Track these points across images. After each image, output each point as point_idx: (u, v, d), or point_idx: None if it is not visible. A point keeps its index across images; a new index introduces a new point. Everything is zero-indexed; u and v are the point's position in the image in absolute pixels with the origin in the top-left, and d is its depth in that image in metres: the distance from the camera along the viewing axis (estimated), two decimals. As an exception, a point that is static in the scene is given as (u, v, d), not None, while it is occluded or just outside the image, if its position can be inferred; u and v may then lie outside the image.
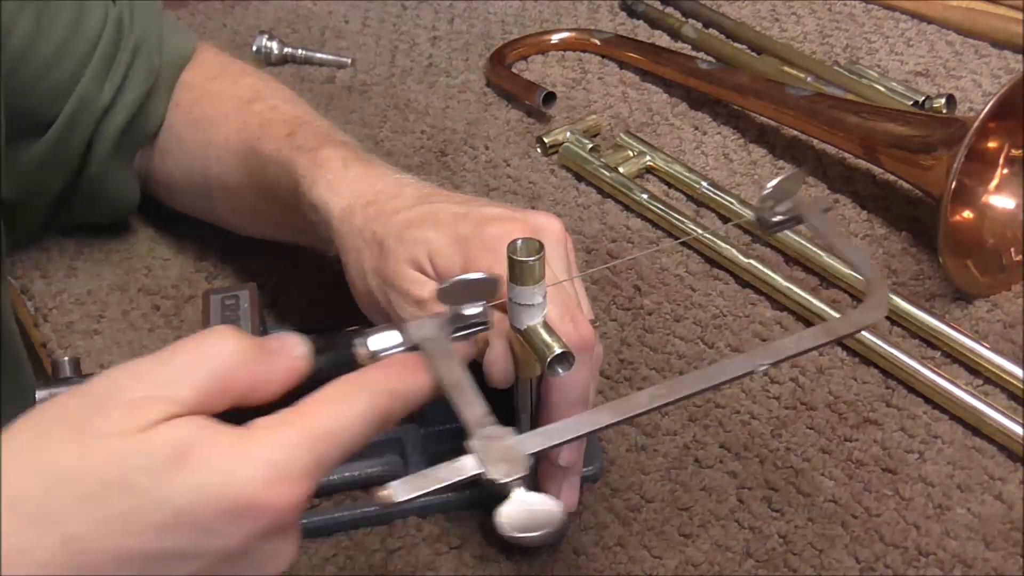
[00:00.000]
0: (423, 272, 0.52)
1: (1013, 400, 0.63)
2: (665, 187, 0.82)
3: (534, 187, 0.82)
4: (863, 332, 0.65)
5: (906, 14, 1.01)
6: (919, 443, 0.60)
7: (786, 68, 0.92)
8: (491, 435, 0.39)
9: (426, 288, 0.52)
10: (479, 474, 0.38)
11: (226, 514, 0.37)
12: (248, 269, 0.74)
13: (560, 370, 0.44)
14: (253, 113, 0.67)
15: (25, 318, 0.72)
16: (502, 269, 0.47)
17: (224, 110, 0.69)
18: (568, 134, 0.85)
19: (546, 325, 0.45)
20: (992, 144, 0.72)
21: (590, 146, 0.83)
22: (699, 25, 1.01)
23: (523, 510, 0.37)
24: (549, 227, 0.52)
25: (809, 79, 0.90)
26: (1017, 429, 0.59)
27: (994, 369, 0.63)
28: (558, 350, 0.44)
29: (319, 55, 0.98)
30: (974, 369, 0.64)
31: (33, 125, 0.68)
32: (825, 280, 0.71)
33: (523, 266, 0.44)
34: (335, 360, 0.42)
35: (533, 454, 0.39)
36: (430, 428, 0.58)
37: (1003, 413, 0.60)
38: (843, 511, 0.57)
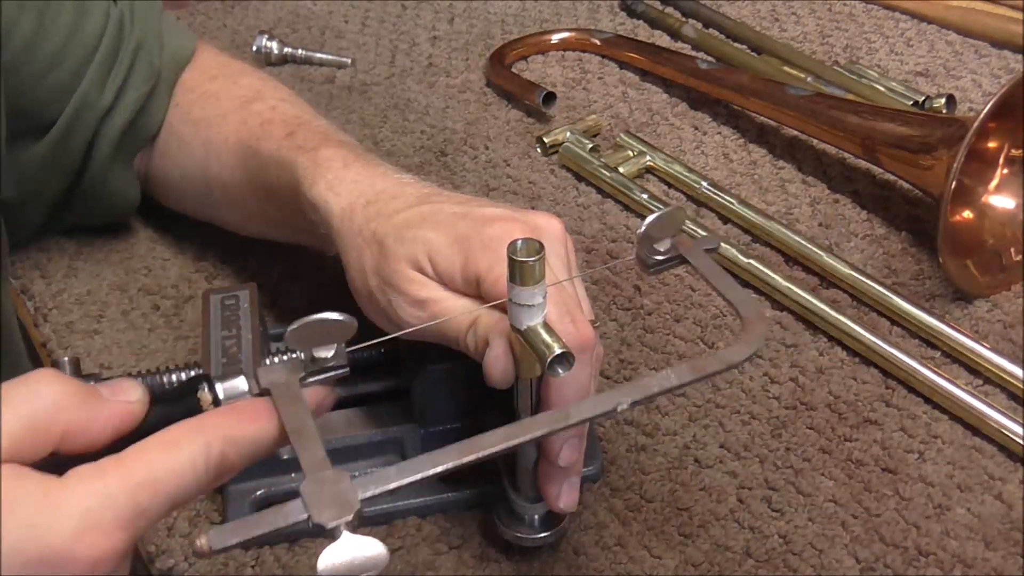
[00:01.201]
0: (423, 272, 0.52)
1: (1013, 400, 0.63)
2: (665, 187, 0.82)
3: (534, 187, 0.82)
4: (863, 332, 0.65)
5: (906, 14, 1.01)
6: (919, 443, 0.60)
7: (786, 68, 0.92)
8: (325, 479, 0.38)
9: (426, 288, 0.52)
10: (305, 518, 0.37)
11: (28, 567, 0.35)
12: (248, 269, 0.74)
13: (560, 370, 0.44)
14: (253, 113, 0.67)
15: (25, 318, 0.72)
16: (502, 269, 0.47)
17: (223, 110, 0.69)
18: (568, 134, 0.85)
19: (546, 325, 0.45)
20: (992, 144, 0.72)
21: (590, 146, 0.83)
22: (699, 25, 1.01)
23: (348, 554, 0.36)
24: (549, 227, 0.52)
25: (809, 79, 0.90)
26: (1017, 429, 0.59)
27: (994, 369, 0.63)
28: (558, 350, 0.44)
29: (319, 55, 0.98)
30: (974, 369, 0.64)
31: (34, 126, 0.68)
32: (825, 280, 0.71)
33: (523, 266, 0.44)
34: (178, 407, 0.41)
35: (366, 498, 0.38)
36: (430, 428, 0.58)
37: (1003, 413, 0.60)
38: (843, 511, 0.57)
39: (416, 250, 0.52)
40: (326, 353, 0.42)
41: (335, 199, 0.56)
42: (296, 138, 0.62)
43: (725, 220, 0.77)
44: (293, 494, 0.37)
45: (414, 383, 0.57)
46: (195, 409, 0.41)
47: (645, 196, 0.77)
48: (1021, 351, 0.65)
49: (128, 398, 0.40)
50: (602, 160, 0.81)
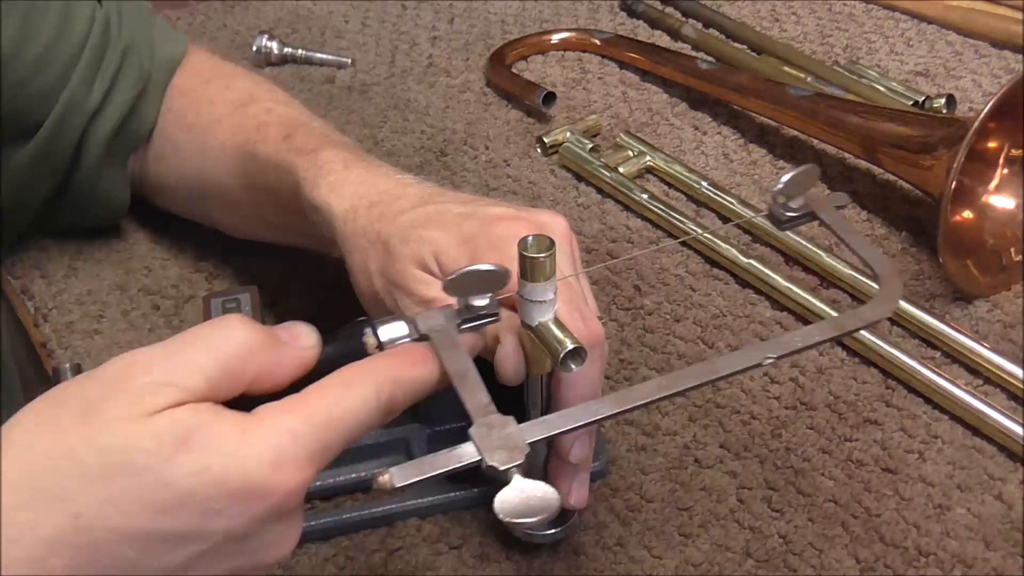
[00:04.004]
0: (429, 272, 0.52)
1: (1013, 400, 0.63)
2: (665, 187, 0.82)
3: (534, 187, 0.82)
4: (863, 332, 0.65)
5: (906, 14, 1.01)
6: (919, 443, 0.60)
7: (786, 68, 0.92)
8: (492, 423, 0.40)
9: (433, 288, 0.52)
10: (478, 460, 0.39)
11: (230, 496, 0.37)
12: (248, 269, 0.74)
13: (573, 366, 0.45)
14: (248, 116, 0.67)
15: (25, 318, 0.72)
16: (509, 267, 0.47)
17: (218, 114, 0.69)
18: (568, 134, 0.85)
19: (557, 321, 0.46)
20: (992, 144, 0.72)
21: (590, 146, 0.83)
22: (699, 25, 1.01)
23: (520, 496, 0.38)
24: (554, 225, 0.53)
25: (809, 79, 0.90)
26: (1017, 429, 0.59)
27: (994, 369, 0.63)
28: (571, 346, 0.44)
29: (319, 55, 0.98)
30: (974, 369, 0.64)
31: (21, 128, 0.68)
32: (825, 280, 0.71)
33: (535, 263, 0.44)
34: (344, 350, 0.43)
35: (534, 442, 0.40)
36: (435, 427, 0.58)
37: (1003, 413, 0.60)
38: (843, 511, 0.57)
39: (422, 250, 0.52)
40: (481, 301, 0.44)
41: (337, 201, 0.56)
42: (294, 140, 0.62)
43: (725, 220, 0.77)
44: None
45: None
46: (360, 351, 0.43)
47: (645, 196, 0.77)
48: (1021, 351, 0.65)
49: (305, 344, 0.42)
50: (602, 160, 0.81)
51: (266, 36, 0.98)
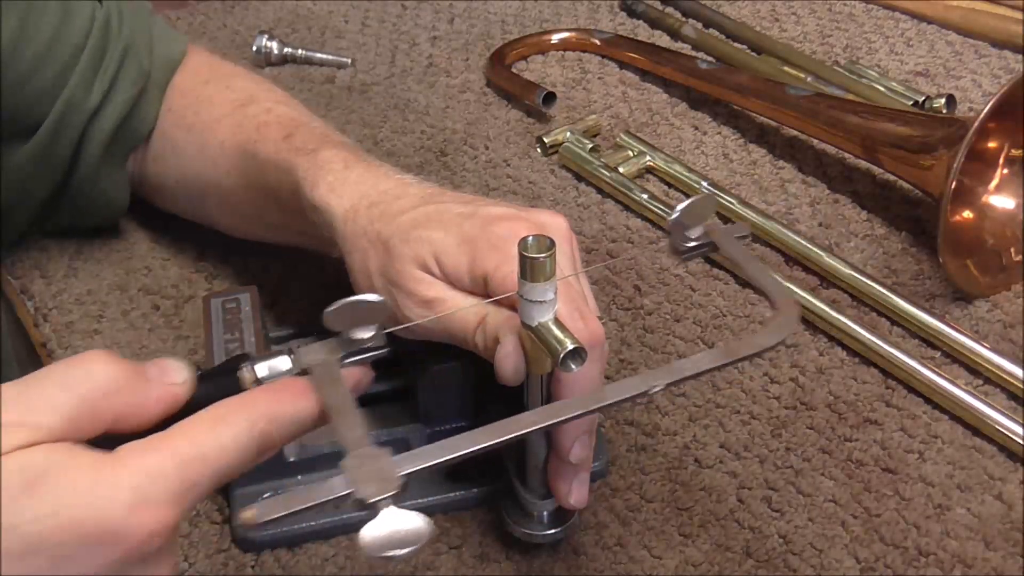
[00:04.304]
0: (429, 272, 0.52)
1: (1013, 400, 0.63)
2: (665, 187, 0.82)
3: (534, 187, 0.82)
4: (863, 332, 0.65)
5: (906, 14, 1.01)
6: (919, 443, 0.60)
7: (786, 68, 0.92)
8: (365, 455, 0.38)
9: (433, 288, 0.52)
10: (348, 493, 0.37)
11: (82, 540, 0.36)
12: (248, 269, 0.74)
13: (573, 366, 0.45)
14: (248, 116, 0.67)
15: (25, 318, 0.72)
16: (509, 267, 0.47)
17: (218, 114, 0.69)
18: (568, 134, 0.85)
19: (557, 321, 0.46)
20: (992, 144, 0.72)
21: (590, 146, 0.83)
22: (699, 25, 1.01)
23: (389, 529, 0.36)
24: (554, 225, 0.53)
25: (809, 79, 0.90)
26: (1017, 429, 0.59)
27: (994, 369, 0.63)
28: (571, 346, 0.44)
29: (319, 55, 0.98)
30: (974, 369, 0.64)
31: (20, 128, 0.68)
32: (825, 280, 0.71)
33: (535, 262, 0.44)
34: (221, 386, 0.41)
35: (407, 474, 0.38)
36: (435, 428, 0.58)
37: (1003, 413, 0.60)
38: (843, 511, 0.57)
39: (422, 250, 0.52)
40: (364, 334, 0.43)
41: (337, 201, 0.56)
42: (294, 140, 0.62)
43: (725, 220, 0.77)
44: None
45: (419, 383, 0.58)
46: (237, 388, 0.42)
47: (645, 196, 0.77)
48: (1021, 351, 0.65)
49: (175, 380, 0.41)
50: (602, 160, 0.81)
51: (266, 36, 0.98)
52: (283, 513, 0.37)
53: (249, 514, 0.37)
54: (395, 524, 0.37)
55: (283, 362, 0.43)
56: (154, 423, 0.40)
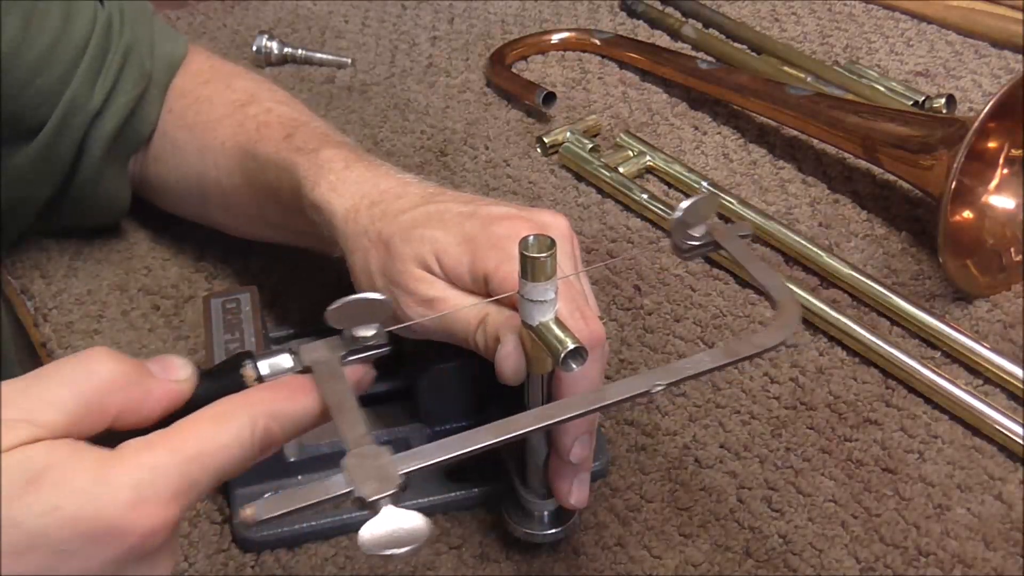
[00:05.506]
0: (430, 271, 0.52)
1: (1013, 400, 0.63)
2: (665, 187, 0.82)
3: (534, 187, 0.82)
4: (863, 332, 0.65)
5: (906, 14, 1.01)
6: (919, 443, 0.60)
7: (786, 68, 0.92)
8: (366, 454, 0.38)
9: (434, 287, 0.52)
10: (348, 492, 0.37)
11: (83, 537, 0.36)
12: (248, 269, 0.74)
13: (574, 365, 0.44)
14: (248, 116, 0.67)
15: (25, 318, 0.72)
16: (510, 267, 0.47)
17: (218, 115, 0.69)
18: (568, 134, 0.85)
19: (558, 321, 0.46)
20: (992, 144, 0.72)
21: (590, 146, 0.83)
22: (699, 25, 1.01)
23: (387, 528, 0.37)
24: (555, 224, 0.53)
25: (809, 79, 0.90)
26: (1017, 429, 0.59)
27: (994, 369, 0.63)
28: (572, 345, 0.44)
29: (319, 55, 0.98)
30: (974, 369, 0.64)
31: (23, 129, 0.68)
32: (825, 280, 0.71)
33: (536, 262, 0.44)
34: (223, 383, 0.42)
35: (407, 473, 0.38)
36: (436, 427, 0.58)
37: (1003, 413, 0.60)
38: (843, 511, 0.57)
39: (423, 250, 0.52)
40: (366, 332, 0.43)
41: (338, 200, 0.56)
42: (295, 140, 0.62)
43: (725, 220, 0.77)
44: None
45: (420, 382, 0.58)
46: (239, 385, 0.42)
47: (645, 196, 0.77)
48: (1021, 351, 0.65)
49: (178, 377, 0.41)
50: (602, 160, 0.81)
51: (266, 36, 0.98)
52: (283, 511, 0.37)
53: (249, 512, 0.37)
54: (395, 523, 0.37)
55: (285, 360, 0.43)
56: (156, 420, 0.40)
